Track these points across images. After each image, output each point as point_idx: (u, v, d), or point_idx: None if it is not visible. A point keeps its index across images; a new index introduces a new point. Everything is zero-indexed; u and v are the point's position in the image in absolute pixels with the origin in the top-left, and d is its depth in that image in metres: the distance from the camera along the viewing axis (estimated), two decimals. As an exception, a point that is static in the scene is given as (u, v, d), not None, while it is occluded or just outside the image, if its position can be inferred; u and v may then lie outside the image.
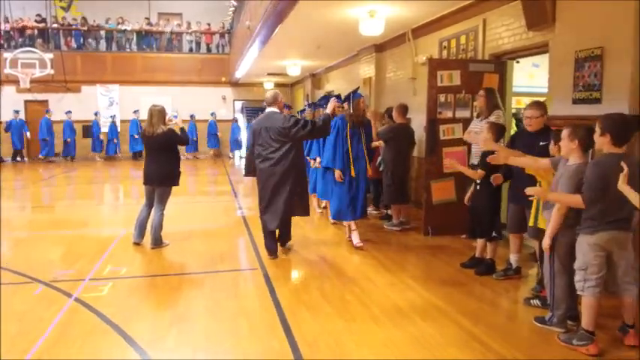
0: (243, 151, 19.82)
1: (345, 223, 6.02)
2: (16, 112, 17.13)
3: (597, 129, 3.17)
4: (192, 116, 18.29)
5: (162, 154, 5.60)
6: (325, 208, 7.69)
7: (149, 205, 5.75)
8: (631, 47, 4.14)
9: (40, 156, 17.17)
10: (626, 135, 3.18)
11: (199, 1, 20.68)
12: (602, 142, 3.16)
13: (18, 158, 17.30)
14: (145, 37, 19.41)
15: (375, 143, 6.32)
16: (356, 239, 5.74)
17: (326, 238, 6.37)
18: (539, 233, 3.81)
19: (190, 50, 19.90)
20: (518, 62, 6.48)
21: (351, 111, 5.72)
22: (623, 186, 2.78)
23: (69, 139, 17.45)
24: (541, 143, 4.04)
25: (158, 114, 5.56)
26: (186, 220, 7.31)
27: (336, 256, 5.47)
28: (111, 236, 6.32)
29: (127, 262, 5.23)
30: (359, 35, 7.75)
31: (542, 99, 4.97)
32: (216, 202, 9.72)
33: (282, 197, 5.15)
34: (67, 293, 4.25)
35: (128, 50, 19.15)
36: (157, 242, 5.67)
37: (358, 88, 6.03)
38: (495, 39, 6.19)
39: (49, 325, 3.60)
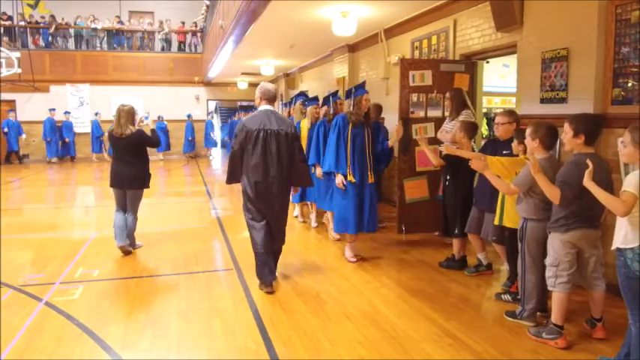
0: (218, 150, 19.84)
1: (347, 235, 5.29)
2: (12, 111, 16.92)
3: (569, 130, 3.23)
4: (159, 117, 17.95)
5: (131, 155, 5.37)
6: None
7: (122, 209, 5.52)
8: (594, 48, 4.27)
9: (49, 157, 17.14)
10: (595, 134, 3.27)
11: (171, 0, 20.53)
12: (575, 143, 3.21)
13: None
14: (116, 36, 19.10)
15: (391, 141, 5.53)
16: (348, 252, 5.27)
17: (304, 239, 6.38)
18: (503, 232, 3.92)
19: (162, 49, 19.65)
20: (488, 62, 6.61)
21: (353, 109, 5.09)
22: (588, 182, 2.86)
23: (67, 139, 17.39)
24: (504, 152, 4.09)
25: (126, 114, 5.33)
26: (160, 222, 7.24)
27: (311, 256, 5.49)
28: (82, 239, 6.22)
29: (99, 264, 5.15)
30: (332, 35, 7.79)
31: (512, 99, 5.08)
32: (190, 203, 9.63)
33: (280, 216, 4.46)
34: (37, 297, 4.17)
35: (99, 49, 18.81)
36: (132, 244, 5.57)
37: (364, 82, 5.34)
38: (466, 39, 6.31)
39: (19, 330, 3.53)
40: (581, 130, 3.16)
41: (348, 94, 5.30)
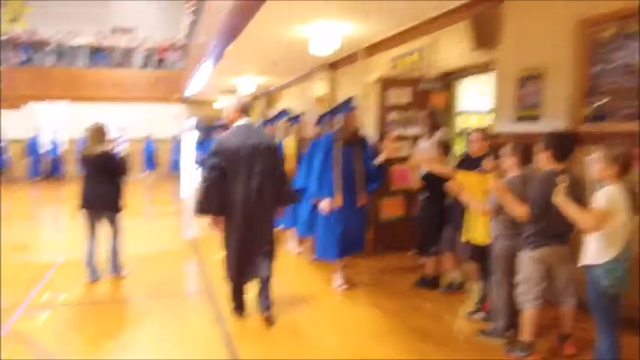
0: (183, 172, 19.54)
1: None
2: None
3: (541, 146, 3.27)
4: (148, 135, 17.83)
5: (102, 176, 5.04)
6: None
7: (93, 236, 5.12)
8: (567, 68, 4.32)
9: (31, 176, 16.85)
10: (567, 151, 3.29)
11: (153, 16, 20.50)
12: (545, 159, 3.26)
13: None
14: (97, 52, 18.95)
15: (379, 159, 4.96)
16: (339, 281, 4.89)
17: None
18: (474, 250, 3.92)
19: (143, 66, 19.53)
20: (465, 80, 6.65)
21: (341, 126, 4.81)
22: (560, 199, 2.86)
23: (50, 157, 17.19)
24: (478, 169, 4.05)
25: (96, 133, 5.08)
26: (131, 244, 7.05)
27: (285, 277, 5.38)
28: (50, 262, 5.95)
29: (66, 288, 4.94)
30: (312, 53, 7.80)
31: (488, 117, 5.11)
32: (162, 224, 9.45)
33: (270, 242, 4.02)
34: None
35: (79, 65, 18.60)
36: (117, 270, 5.22)
37: (352, 98, 5.05)
38: (444, 57, 6.35)
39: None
40: (549, 146, 3.19)
41: (335, 111, 5.11)
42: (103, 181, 5.06)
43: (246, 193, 3.79)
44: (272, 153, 3.94)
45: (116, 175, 5.17)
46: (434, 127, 5.34)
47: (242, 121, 3.97)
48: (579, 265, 2.85)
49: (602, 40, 4.11)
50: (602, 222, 2.68)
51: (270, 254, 4.00)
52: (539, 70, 4.60)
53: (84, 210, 5.10)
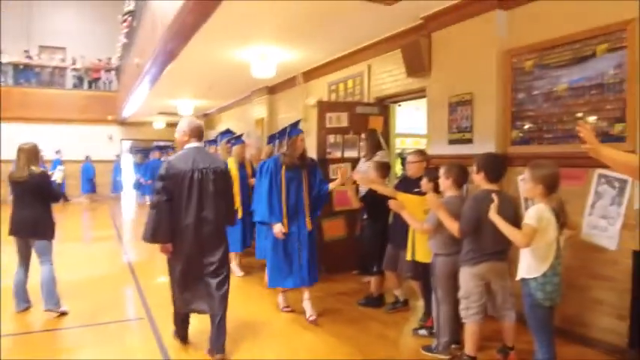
0: (122, 195, 18.97)
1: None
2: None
3: (474, 167, 3.47)
4: (86, 157, 17.32)
5: (34, 200, 4.67)
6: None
7: (25, 264, 4.79)
8: (494, 94, 4.64)
9: None
10: (499, 172, 3.51)
11: (85, 35, 19.87)
12: (479, 179, 3.45)
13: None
14: (24, 71, 18.06)
15: (332, 185, 4.79)
16: (309, 311, 4.61)
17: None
18: (417, 268, 4.06)
19: (74, 86, 18.82)
20: (400, 106, 6.95)
21: (287, 150, 4.66)
22: (493, 216, 3.05)
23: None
24: (415, 190, 4.24)
25: (27, 154, 4.68)
26: (65, 269, 6.71)
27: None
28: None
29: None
30: (251, 77, 7.86)
31: (423, 140, 5.35)
32: (98, 248, 9.08)
33: (222, 270, 3.77)
34: None
35: (3, 84, 17.63)
36: (54, 302, 4.70)
37: (299, 121, 4.97)
38: (379, 84, 6.61)
39: None
40: (481, 168, 3.39)
41: (281, 134, 4.89)
42: (33, 205, 4.68)
43: (198, 218, 3.62)
44: (224, 176, 3.83)
45: (48, 200, 4.82)
46: (374, 149, 5.53)
47: (192, 144, 3.82)
48: (516, 279, 3.02)
49: (524, 70, 4.46)
50: (531, 238, 2.87)
51: (223, 285, 3.72)
52: (469, 97, 4.89)
53: (14, 236, 4.76)
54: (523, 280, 2.95)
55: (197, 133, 3.86)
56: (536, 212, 2.87)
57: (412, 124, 8.88)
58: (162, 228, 3.56)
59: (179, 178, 3.60)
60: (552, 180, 2.89)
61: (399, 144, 8.64)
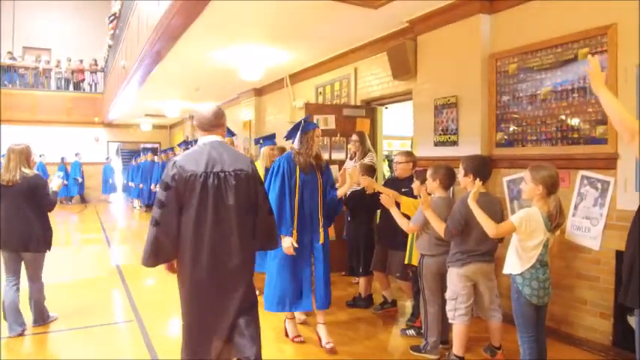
0: (118, 195, 18.88)
1: (297, 314, 4.15)
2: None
3: (461, 169, 3.52)
4: (77, 154, 17.52)
5: (27, 206, 4.22)
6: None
7: (15, 280, 4.30)
8: (479, 97, 4.70)
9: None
10: (485, 174, 3.56)
11: (70, 36, 19.71)
12: (466, 182, 3.50)
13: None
14: (8, 73, 17.85)
15: (341, 191, 4.11)
16: (325, 338, 3.93)
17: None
18: (406, 268, 4.11)
19: (59, 88, 18.64)
20: (387, 108, 7.00)
21: (301, 147, 3.93)
22: (470, 203, 3.12)
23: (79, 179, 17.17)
24: (403, 189, 4.31)
25: (18, 156, 4.24)
26: (52, 272, 6.67)
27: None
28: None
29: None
30: (239, 79, 7.88)
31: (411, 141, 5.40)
32: (89, 251, 9.02)
33: (234, 310, 2.72)
34: None
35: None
36: (44, 319, 4.44)
37: (311, 115, 4.33)
38: (366, 86, 6.66)
39: None
40: (469, 170, 3.44)
41: (294, 130, 4.05)
42: (25, 213, 4.23)
43: (213, 241, 2.68)
44: (250, 181, 2.82)
45: (42, 206, 4.34)
46: (363, 151, 5.57)
47: (209, 138, 2.85)
48: (503, 272, 3.08)
49: (508, 73, 4.53)
50: (504, 233, 3.02)
51: (252, 323, 2.77)
52: (454, 99, 4.95)
53: (4, 250, 4.30)
54: (511, 276, 3.00)
55: (213, 123, 2.87)
56: (524, 215, 2.92)
57: (400, 126, 8.96)
58: (163, 249, 2.69)
59: (188, 184, 2.65)
60: (552, 181, 2.93)
61: (387, 146, 8.76)
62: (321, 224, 3.95)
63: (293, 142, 4.07)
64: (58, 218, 13.20)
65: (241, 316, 2.73)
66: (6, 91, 17.30)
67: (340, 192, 4.10)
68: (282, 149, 6.68)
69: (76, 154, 17.54)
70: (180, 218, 2.68)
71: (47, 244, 4.37)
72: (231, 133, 5.77)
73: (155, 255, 2.70)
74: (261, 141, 5.58)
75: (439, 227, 3.45)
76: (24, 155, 4.29)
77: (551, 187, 2.91)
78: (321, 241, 3.93)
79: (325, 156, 6.20)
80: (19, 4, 19.41)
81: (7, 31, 18.87)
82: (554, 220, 2.90)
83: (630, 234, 2.36)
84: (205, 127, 2.86)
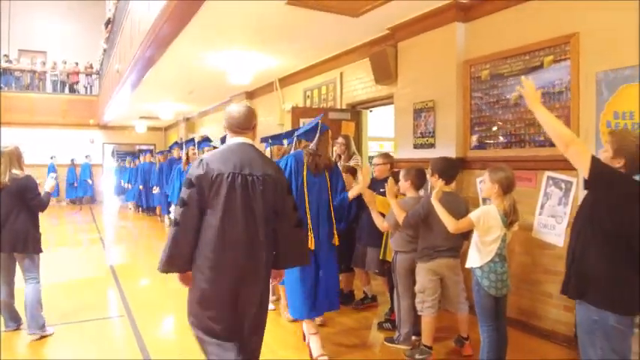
0: (106, 198, 19.00)
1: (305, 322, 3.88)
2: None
3: (429, 170, 3.76)
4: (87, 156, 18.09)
5: (18, 208, 4.19)
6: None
7: (8, 281, 4.30)
8: (454, 101, 4.93)
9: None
10: (451, 175, 3.79)
11: (65, 39, 19.89)
12: (433, 181, 3.75)
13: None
14: (3, 75, 18.01)
15: (352, 192, 4.02)
16: (316, 349, 3.72)
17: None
18: (383, 265, 4.33)
19: (54, 90, 18.80)
20: (371, 111, 7.23)
21: (320, 150, 3.86)
22: (433, 201, 3.37)
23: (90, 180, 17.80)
24: (381, 190, 4.47)
25: (8, 157, 4.18)
26: (46, 273, 6.83)
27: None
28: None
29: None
30: (230, 82, 8.09)
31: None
32: (81, 252, 9.18)
33: (259, 326, 2.75)
34: None
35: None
36: (38, 326, 4.26)
37: (322, 115, 4.24)
38: (351, 90, 6.89)
39: None
40: (435, 171, 3.68)
41: (312, 130, 3.94)
42: (17, 214, 4.21)
43: (240, 248, 2.56)
44: (277, 188, 2.71)
45: (33, 207, 4.32)
46: (349, 154, 5.77)
47: (238, 140, 2.74)
48: (465, 266, 3.32)
49: (481, 79, 4.76)
50: (462, 228, 3.27)
51: (259, 346, 2.78)
52: (431, 104, 5.18)
53: None
54: (472, 269, 3.23)
55: (243, 125, 2.74)
56: (480, 212, 3.17)
57: (384, 129, 9.14)
58: (182, 254, 2.55)
59: (214, 186, 2.54)
60: (507, 182, 3.17)
61: (378, 147, 9.02)
62: (333, 226, 3.86)
63: (289, 143, 4.09)
64: (54, 220, 13.38)
65: (252, 334, 2.69)
66: (3, 94, 17.46)
67: (352, 193, 4.01)
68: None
69: (87, 157, 18.06)
70: (201, 220, 2.54)
71: (37, 246, 4.34)
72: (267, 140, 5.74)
73: (171, 259, 2.53)
74: (269, 140, 5.74)
75: (399, 215, 3.71)
76: (14, 156, 4.24)
77: (506, 188, 3.14)
78: (335, 242, 3.85)
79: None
80: (15, 6, 19.56)
81: (3, 34, 19.01)
82: (510, 217, 3.14)
83: (572, 230, 2.59)
84: (234, 129, 2.74)
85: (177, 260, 2.55)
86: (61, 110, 18.14)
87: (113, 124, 18.27)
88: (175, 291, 5.70)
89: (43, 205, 4.36)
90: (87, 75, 19.26)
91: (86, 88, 19.26)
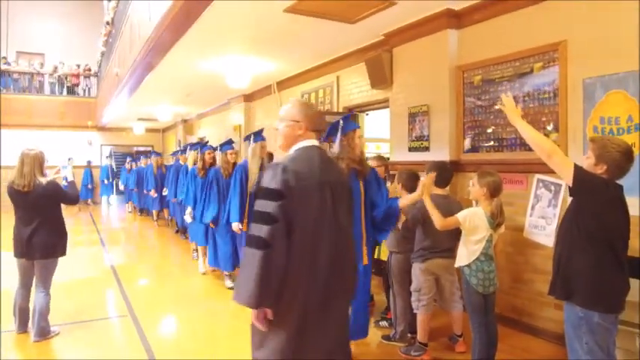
0: (113, 198, 19.11)
1: None
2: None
3: (425, 172, 3.90)
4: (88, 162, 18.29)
5: (42, 215, 4.15)
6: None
7: (26, 285, 4.33)
8: (447, 106, 5.07)
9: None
10: (445, 178, 3.94)
11: (63, 41, 19.95)
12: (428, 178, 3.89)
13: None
14: (2, 77, 18.06)
15: (404, 201, 3.59)
16: None
17: (200, 284, 6.53)
18: (379, 264, 4.48)
19: (53, 92, 18.86)
20: (367, 115, 7.36)
21: (343, 153, 3.46)
22: (424, 198, 3.49)
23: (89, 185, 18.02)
24: None
25: (32, 161, 4.12)
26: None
27: (207, 297, 5.68)
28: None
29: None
30: (228, 85, 8.21)
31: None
32: (84, 252, 9.28)
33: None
34: None
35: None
36: (44, 332, 4.27)
37: (351, 113, 3.65)
38: (347, 94, 7.02)
39: None
40: (429, 170, 3.82)
41: (332, 129, 3.57)
42: (44, 222, 4.18)
43: (331, 270, 2.17)
44: (351, 195, 2.44)
45: (59, 211, 4.31)
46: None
47: (310, 142, 2.34)
48: (454, 266, 3.46)
49: (473, 84, 4.90)
50: (448, 226, 3.42)
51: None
52: (425, 108, 5.31)
53: (20, 258, 4.27)
54: (461, 268, 3.38)
55: (317, 124, 2.40)
56: (467, 213, 3.34)
57: (380, 131, 9.27)
58: (270, 285, 2.06)
59: (303, 198, 2.13)
60: (495, 185, 3.33)
61: (374, 148, 9.15)
62: (364, 242, 3.41)
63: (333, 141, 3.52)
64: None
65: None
66: (1, 96, 17.51)
67: (403, 202, 3.58)
68: (270, 154, 6.81)
69: (88, 162, 18.32)
70: (289, 242, 2.08)
71: (63, 249, 4.34)
72: (261, 137, 5.45)
73: (266, 289, 2.04)
74: (252, 137, 5.49)
75: (435, 215, 3.68)
76: (38, 161, 4.17)
77: (493, 191, 3.29)
78: (365, 262, 3.42)
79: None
80: (12, 8, 19.62)
81: (1, 36, 19.07)
82: (497, 219, 3.29)
83: (558, 234, 2.73)
84: (312, 129, 2.36)
85: (266, 293, 2.05)
86: (59, 112, 18.21)
87: (111, 125, 18.35)
88: (175, 291, 5.87)
89: (75, 197, 4.36)
90: (85, 77, 19.33)
91: (84, 90, 19.33)
